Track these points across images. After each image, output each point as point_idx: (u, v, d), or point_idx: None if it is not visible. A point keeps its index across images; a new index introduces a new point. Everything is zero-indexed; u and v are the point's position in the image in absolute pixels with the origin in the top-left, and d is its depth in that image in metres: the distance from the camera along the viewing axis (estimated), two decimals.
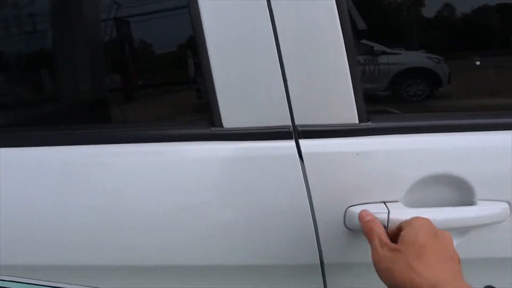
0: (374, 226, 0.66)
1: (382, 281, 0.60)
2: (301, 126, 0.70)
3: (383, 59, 0.94)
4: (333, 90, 0.69)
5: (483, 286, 0.61)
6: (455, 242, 0.77)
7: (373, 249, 0.63)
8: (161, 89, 0.93)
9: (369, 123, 0.72)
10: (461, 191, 0.75)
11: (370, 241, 0.64)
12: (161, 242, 0.75)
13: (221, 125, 0.70)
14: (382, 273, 0.60)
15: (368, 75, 0.92)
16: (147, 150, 0.73)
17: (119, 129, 0.79)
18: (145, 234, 0.75)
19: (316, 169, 0.70)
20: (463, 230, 0.76)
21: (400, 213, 0.70)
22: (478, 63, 0.95)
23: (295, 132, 0.70)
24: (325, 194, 0.71)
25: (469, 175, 0.73)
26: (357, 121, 0.71)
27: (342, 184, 0.71)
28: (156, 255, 0.77)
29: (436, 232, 0.61)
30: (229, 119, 0.70)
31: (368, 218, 0.67)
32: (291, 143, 0.70)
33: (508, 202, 0.75)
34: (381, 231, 0.64)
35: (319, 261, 0.76)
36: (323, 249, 0.75)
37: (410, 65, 0.99)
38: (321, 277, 0.79)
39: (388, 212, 0.70)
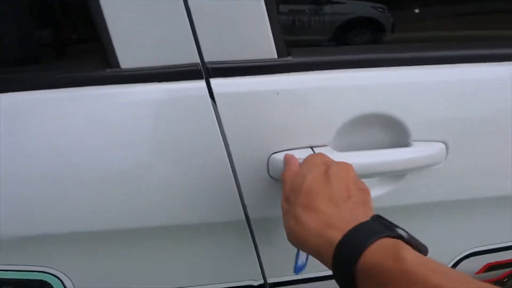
0: (285, 174, 0.58)
1: None
2: (212, 63, 0.60)
3: (328, 8, 0.86)
4: (246, 20, 0.60)
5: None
6: (390, 187, 0.72)
7: None
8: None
9: (289, 58, 0.63)
10: (395, 133, 0.69)
11: None
12: (61, 205, 0.65)
13: (117, 65, 0.59)
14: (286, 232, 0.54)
15: (312, 25, 0.84)
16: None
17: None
18: (42, 194, 0.64)
19: (231, 112, 0.62)
20: (398, 173, 0.71)
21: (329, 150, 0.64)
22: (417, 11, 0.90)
23: (205, 70, 0.60)
24: (243, 141, 0.63)
25: (403, 115, 0.67)
26: (275, 56, 0.62)
27: (263, 129, 0.63)
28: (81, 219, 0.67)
29: (328, 170, 0.53)
30: (127, 58, 0.59)
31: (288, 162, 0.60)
32: (201, 84, 0.60)
33: (444, 143, 0.70)
34: (287, 179, 0.56)
35: (244, 217, 0.69)
36: (247, 203, 0.67)
37: (356, 15, 0.92)
38: (249, 234, 0.72)
39: None
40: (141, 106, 0.60)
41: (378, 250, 0.40)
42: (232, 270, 0.80)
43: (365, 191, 0.53)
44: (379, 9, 0.89)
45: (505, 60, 0.70)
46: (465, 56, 0.69)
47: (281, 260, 0.79)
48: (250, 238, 0.73)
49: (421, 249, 0.42)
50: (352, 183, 0.52)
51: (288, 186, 0.54)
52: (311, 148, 0.65)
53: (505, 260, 0.94)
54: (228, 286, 0.82)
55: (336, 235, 0.43)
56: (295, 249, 0.78)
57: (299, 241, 0.49)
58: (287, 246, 0.77)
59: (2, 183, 0.62)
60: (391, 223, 0.45)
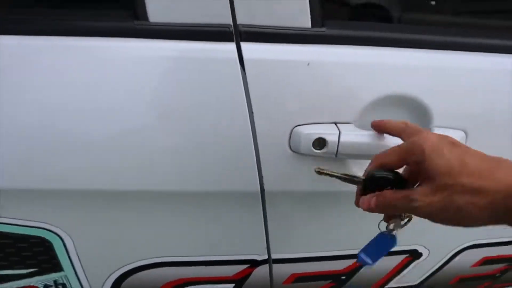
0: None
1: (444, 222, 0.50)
2: (244, 26, 0.58)
3: None
4: None
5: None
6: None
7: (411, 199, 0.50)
8: None
9: (324, 29, 0.61)
10: (418, 116, 0.68)
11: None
12: (86, 163, 0.63)
13: (146, 18, 0.57)
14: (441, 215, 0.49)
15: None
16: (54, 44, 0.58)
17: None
18: (67, 154, 0.62)
19: (259, 80, 0.60)
20: None
21: (352, 135, 0.63)
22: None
23: (236, 33, 0.58)
24: (268, 110, 0.61)
25: (429, 99, 0.66)
26: (309, 26, 0.60)
27: (289, 100, 0.61)
28: (85, 177, 0.65)
29: (451, 140, 0.50)
30: (157, 11, 0.56)
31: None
32: (231, 46, 0.58)
33: (464, 131, 0.69)
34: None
35: (259, 189, 0.67)
36: (264, 174, 0.66)
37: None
38: (261, 207, 0.71)
39: (339, 134, 0.62)
40: (166, 63, 0.58)
41: None
42: (237, 242, 0.79)
43: None
44: None
45: None
46: (497, 45, 0.68)
47: (287, 236, 0.79)
48: (261, 211, 0.72)
49: None
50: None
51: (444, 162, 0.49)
52: (335, 124, 0.64)
53: (501, 256, 0.96)
54: (231, 259, 0.81)
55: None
56: (304, 226, 0.78)
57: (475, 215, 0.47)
58: (295, 223, 0.77)
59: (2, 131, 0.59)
60: None
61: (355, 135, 0.63)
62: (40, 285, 0.77)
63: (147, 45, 0.57)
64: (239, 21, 0.58)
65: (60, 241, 0.73)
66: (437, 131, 0.67)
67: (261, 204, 0.71)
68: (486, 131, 0.70)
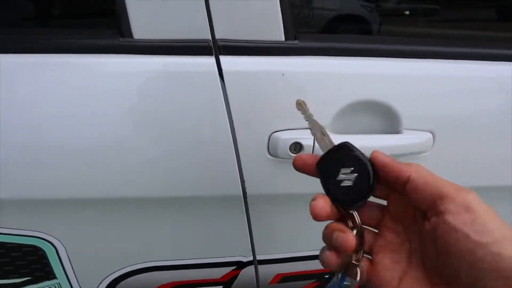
0: None
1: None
2: (222, 40, 0.62)
3: (318, 2, 0.89)
4: (259, 2, 0.62)
5: None
6: None
7: None
8: None
9: (296, 42, 0.66)
10: (387, 120, 0.72)
11: None
12: (75, 173, 0.67)
13: (130, 35, 0.61)
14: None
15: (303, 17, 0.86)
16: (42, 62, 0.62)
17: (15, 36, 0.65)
18: (56, 164, 0.66)
19: (238, 90, 0.64)
20: None
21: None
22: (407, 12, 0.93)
23: (215, 47, 0.62)
24: (247, 118, 0.66)
25: (396, 104, 0.70)
26: (283, 39, 0.65)
27: (266, 108, 0.66)
28: (74, 186, 0.68)
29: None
30: (140, 28, 0.61)
31: None
32: (211, 60, 0.62)
33: (431, 132, 0.74)
34: None
35: (241, 192, 0.71)
36: (245, 178, 0.70)
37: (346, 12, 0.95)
38: (244, 210, 0.74)
39: (314, 138, 0.66)
40: (150, 76, 0.62)
41: None
42: (223, 245, 0.82)
43: None
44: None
45: (501, 60, 0.73)
46: (461, 53, 0.72)
47: (271, 237, 0.82)
48: (245, 214, 0.76)
49: None
50: None
51: None
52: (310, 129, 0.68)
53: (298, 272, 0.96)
54: (218, 261, 0.84)
55: None
56: (285, 227, 0.81)
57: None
58: (278, 225, 0.81)
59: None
60: None
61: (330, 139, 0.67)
62: None
63: (131, 60, 0.61)
64: (218, 36, 0.62)
65: (53, 249, 0.75)
66: (406, 133, 0.72)
67: (244, 207, 0.74)
68: (453, 132, 0.75)
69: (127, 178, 0.68)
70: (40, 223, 0.73)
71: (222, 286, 0.89)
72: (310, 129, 0.54)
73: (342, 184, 0.45)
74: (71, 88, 0.62)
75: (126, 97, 0.63)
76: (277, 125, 0.67)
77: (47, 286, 0.79)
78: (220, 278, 0.87)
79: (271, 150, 0.68)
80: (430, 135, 0.73)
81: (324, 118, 0.68)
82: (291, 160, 0.68)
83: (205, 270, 0.85)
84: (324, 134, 0.51)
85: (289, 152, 0.67)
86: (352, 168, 0.45)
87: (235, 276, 0.88)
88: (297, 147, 0.67)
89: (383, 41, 0.72)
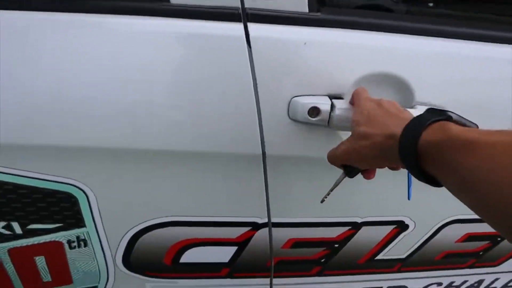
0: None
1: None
2: (251, 9, 0.68)
3: None
4: None
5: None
6: None
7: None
8: None
9: (319, 14, 0.71)
10: (402, 93, 0.76)
11: None
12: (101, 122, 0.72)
13: (168, 0, 0.67)
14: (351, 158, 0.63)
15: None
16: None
17: None
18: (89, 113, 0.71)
19: (263, 55, 0.69)
20: None
21: (344, 106, 0.71)
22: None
23: (244, 15, 0.68)
24: (270, 82, 0.71)
25: (412, 79, 0.75)
26: (307, 10, 0.70)
27: (288, 73, 0.71)
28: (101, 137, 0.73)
29: (380, 101, 0.63)
30: None
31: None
32: (239, 26, 0.68)
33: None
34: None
35: (261, 152, 0.77)
36: (265, 139, 0.75)
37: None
38: (262, 169, 0.80)
39: (331, 104, 0.72)
40: (183, 38, 0.68)
41: (432, 131, 0.49)
42: (239, 205, 0.87)
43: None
44: None
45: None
46: (476, 34, 0.76)
47: (287, 201, 0.87)
48: (262, 175, 0.81)
49: (470, 126, 0.52)
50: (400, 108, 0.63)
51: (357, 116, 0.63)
52: (328, 97, 0.73)
53: (484, 232, 1.02)
54: (233, 221, 0.89)
55: (398, 130, 0.53)
56: (301, 191, 0.86)
57: (364, 149, 0.59)
58: (294, 188, 0.86)
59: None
60: (441, 110, 0.59)
61: (346, 107, 0.72)
62: (64, 240, 0.84)
63: (168, 22, 0.67)
64: (247, 5, 0.68)
65: (85, 197, 0.80)
66: (419, 108, 0.76)
67: (263, 167, 0.80)
68: (464, 112, 0.78)
69: (156, 132, 0.74)
70: (75, 171, 0.78)
71: (237, 247, 0.93)
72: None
73: None
74: (108, 47, 0.68)
75: (161, 59, 0.69)
76: (297, 90, 0.72)
77: (77, 233, 0.84)
78: (236, 238, 0.92)
79: (291, 113, 0.73)
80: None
81: (341, 87, 0.73)
82: (309, 125, 0.73)
83: (221, 229, 0.90)
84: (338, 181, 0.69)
85: (308, 116, 0.72)
86: None
87: (250, 238, 0.93)
88: (314, 111, 0.71)
89: (406, 19, 0.76)
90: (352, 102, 0.70)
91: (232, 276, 0.93)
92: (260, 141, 0.75)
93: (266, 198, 0.85)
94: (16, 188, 0.77)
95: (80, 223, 0.83)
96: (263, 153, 0.77)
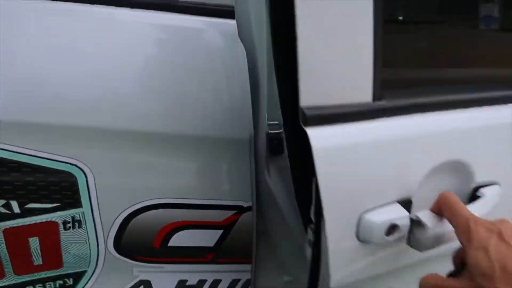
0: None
1: None
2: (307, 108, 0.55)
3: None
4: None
5: None
6: None
7: None
8: None
9: (383, 102, 0.59)
10: (460, 177, 0.71)
11: None
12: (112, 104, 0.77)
13: None
14: None
15: None
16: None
17: None
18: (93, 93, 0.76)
19: (327, 169, 0.56)
20: None
21: (429, 216, 0.62)
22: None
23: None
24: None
25: (471, 159, 0.69)
26: (370, 100, 0.58)
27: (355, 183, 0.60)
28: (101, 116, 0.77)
29: (500, 231, 0.51)
30: None
31: None
32: None
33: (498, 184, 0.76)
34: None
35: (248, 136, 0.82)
36: None
37: None
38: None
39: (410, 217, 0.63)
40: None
41: None
42: (225, 188, 0.90)
43: None
44: None
45: None
46: None
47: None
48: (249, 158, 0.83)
49: None
50: None
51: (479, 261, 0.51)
52: (398, 203, 0.63)
53: None
54: (219, 204, 0.91)
55: None
56: None
57: None
58: None
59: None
60: None
61: (434, 221, 0.61)
62: (60, 220, 0.83)
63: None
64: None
65: (84, 177, 0.80)
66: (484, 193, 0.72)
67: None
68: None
69: (153, 114, 0.80)
70: (75, 150, 0.78)
71: (222, 230, 0.96)
72: None
73: None
74: (115, 36, 0.78)
75: (171, 48, 0.80)
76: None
77: (72, 214, 0.83)
78: (221, 222, 0.94)
79: (361, 235, 0.63)
80: (498, 187, 0.74)
81: (409, 188, 0.64)
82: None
83: (209, 212, 0.92)
84: None
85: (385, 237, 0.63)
86: None
87: (234, 221, 0.95)
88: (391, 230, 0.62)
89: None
90: (436, 210, 0.61)
91: (216, 261, 0.98)
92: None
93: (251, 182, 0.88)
94: (21, 166, 0.76)
95: (77, 203, 0.83)
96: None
